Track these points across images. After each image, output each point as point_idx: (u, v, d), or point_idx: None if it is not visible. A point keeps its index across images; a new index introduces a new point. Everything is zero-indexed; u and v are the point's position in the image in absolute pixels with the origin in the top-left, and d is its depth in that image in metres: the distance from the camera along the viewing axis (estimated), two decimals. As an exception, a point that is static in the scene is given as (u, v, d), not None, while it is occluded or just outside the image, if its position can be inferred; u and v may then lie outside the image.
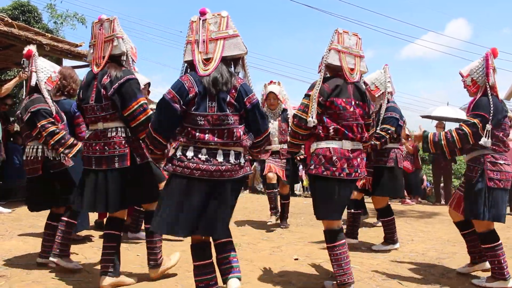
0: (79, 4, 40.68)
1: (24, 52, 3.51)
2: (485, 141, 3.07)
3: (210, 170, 2.39)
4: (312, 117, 2.89)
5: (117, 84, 2.81)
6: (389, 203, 4.44)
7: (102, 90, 2.85)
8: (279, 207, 5.66)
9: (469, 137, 3.09)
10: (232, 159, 2.44)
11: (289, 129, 3.09)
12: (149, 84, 4.52)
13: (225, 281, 2.63)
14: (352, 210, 4.52)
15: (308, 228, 5.47)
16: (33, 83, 3.46)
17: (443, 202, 9.80)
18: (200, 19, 2.52)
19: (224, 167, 2.41)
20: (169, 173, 2.52)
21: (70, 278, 3.16)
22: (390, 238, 4.36)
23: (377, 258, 4.00)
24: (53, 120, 3.35)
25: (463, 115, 9.62)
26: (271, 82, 5.61)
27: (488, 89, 3.17)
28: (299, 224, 5.83)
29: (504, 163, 3.15)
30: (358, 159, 2.98)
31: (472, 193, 3.17)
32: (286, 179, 5.32)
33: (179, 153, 2.45)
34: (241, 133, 2.46)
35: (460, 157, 15.75)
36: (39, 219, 5.30)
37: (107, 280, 2.89)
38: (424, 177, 12.10)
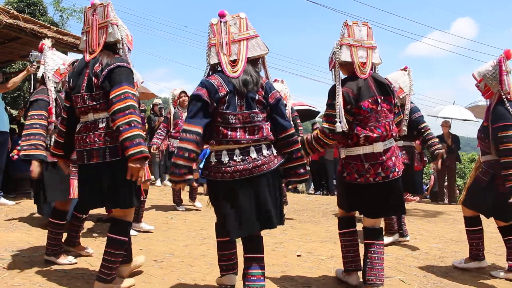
0: (85, -3, 40.67)
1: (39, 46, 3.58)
2: None
3: (249, 168, 2.45)
4: (340, 122, 2.73)
5: (106, 70, 2.63)
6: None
7: (93, 78, 2.67)
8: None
9: None
10: (265, 151, 2.51)
11: (312, 135, 2.99)
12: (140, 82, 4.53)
13: None
14: None
15: (311, 225, 5.46)
16: (39, 75, 3.52)
17: (446, 201, 9.77)
18: (220, 21, 2.58)
19: (260, 161, 2.47)
20: (208, 180, 2.56)
21: (72, 272, 3.17)
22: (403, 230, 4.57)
23: (379, 256, 3.98)
24: (43, 113, 3.31)
25: (469, 114, 9.58)
26: (275, 80, 5.90)
27: (503, 95, 3.23)
28: (302, 220, 5.82)
29: None
30: (393, 158, 2.82)
31: (479, 191, 3.36)
32: None
33: (213, 160, 2.50)
34: (269, 129, 2.55)
35: (464, 156, 15.69)
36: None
37: (101, 286, 2.70)
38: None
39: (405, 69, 4.48)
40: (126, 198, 2.66)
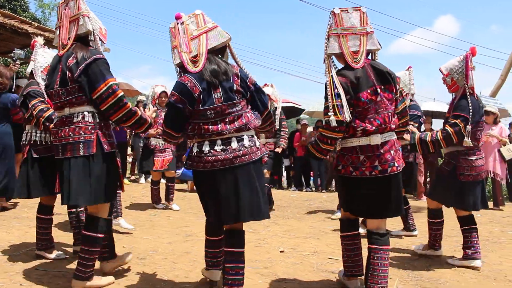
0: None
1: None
2: (466, 140, 3.37)
3: (229, 158, 2.46)
4: (345, 113, 2.56)
5: (83, 65, 2.62)
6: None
7: (67, 72, 2.67)
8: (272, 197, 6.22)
9: (452, 135, 3.38)
10: (246, 142, 2.51)
11: (313, 138, 2.96)
12: None
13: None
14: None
15: (294, 221, 5.50)
16: (28, 70, 3.60)
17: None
18: (178, 23, 2.61)
19: (241, 151, 2.48)
20: (193, 171, 2.59)
21: (54, 270, 3.15)
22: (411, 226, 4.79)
23: (362, 251, 4.03)
24: (43, 100, 3.34)
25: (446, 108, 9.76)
26: (265, 85, 6.09)
27: (467, 90, 3.44)
28: (286, 216, 5.86)
29: (476, 158, 3.52)
30: (392, 152, 2.64)
31: (441, 182, 3.65)
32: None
33: (195, 150, 2.53)
34: (249, 116, 2.55)
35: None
36: (24, 210, 5.27)
37: (78, 284, 2.74)
38: None
39: (408, 69, 4.57)
40: (98, 192, 2.69)
